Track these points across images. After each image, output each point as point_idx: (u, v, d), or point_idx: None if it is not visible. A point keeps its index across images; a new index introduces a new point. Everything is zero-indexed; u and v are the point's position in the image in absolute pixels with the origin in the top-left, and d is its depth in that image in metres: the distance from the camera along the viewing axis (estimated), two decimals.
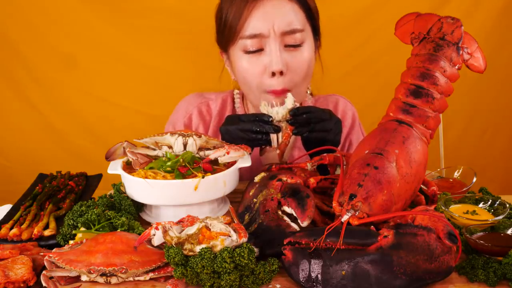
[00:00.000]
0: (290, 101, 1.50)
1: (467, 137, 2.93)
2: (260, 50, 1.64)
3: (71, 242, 1.24)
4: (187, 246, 1.09)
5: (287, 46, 1.64)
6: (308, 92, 1.89)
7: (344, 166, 1.37)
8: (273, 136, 1.50)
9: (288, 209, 1.24)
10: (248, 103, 1.91)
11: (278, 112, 1.50)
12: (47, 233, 1.35)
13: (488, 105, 2.93)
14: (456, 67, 1.35)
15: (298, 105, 1.52)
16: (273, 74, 1.62)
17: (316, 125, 1.50)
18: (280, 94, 1.64)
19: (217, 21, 1.74)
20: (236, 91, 1.93)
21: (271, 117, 1.49)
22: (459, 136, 2.90)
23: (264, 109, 1.53)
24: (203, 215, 1.24)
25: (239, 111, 1.92)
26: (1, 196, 2.24)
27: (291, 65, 1.64)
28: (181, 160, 1.39)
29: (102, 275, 1.10)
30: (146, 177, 1.35)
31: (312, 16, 1.70)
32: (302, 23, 1.65)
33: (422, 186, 1.36)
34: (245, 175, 1.61)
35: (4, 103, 2.81)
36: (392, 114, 1.32)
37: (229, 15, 1.66)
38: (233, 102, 1.94)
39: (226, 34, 1.69)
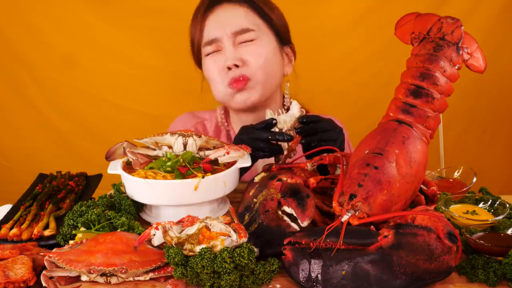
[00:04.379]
0: (296, 109, 1.50)
1: (467, 137, 2.93)
2: (218, 51, 1.82)
3: (71, 242, 1.24)
4: (187, 246, 1.09)
5: (242, 42, 1.80)
6: (287, 97, 1.93)
7: (344, 166, 1.37)
8: (284, 144, 1.51)
9: (288, 209, 1.24)
10: (231, 119, 1.97)
11: (286, 120, 1.50)
12: (47, 233, 1.35)
13: (488, 105, 2.92)
14: (456, 67, 1.35)
15: (304, 111, 1.52)
16: (229, 68, 1.78)
17: (323, 135, 1.51)
18: (240, 83, 1.77)
19: (190, 44, 1.92)
20: (219, 108, 1.99)
21: (275, 119, 1.49)
22: (459, 136, 2.89)
23: (269, 117, 1.53)
24: (203, 215, 1.23)
25: (223, 127, 1.99)
26: (1, 196, 2.24)
27: (246, 58, 1.79)
28: (181, 160, 1.39)
29: (102, 275, 1.10)
30: (146, 177, 1.35)
31: (269, 20, 1.85)
32: (254, 24, 1.81)
33: (422, 186, 1.36)
34: (246, 176, 1.61)
35: (4, 103, 2.80)
36: (392, 114, 1.32)
37: (193, 33, 1.89)
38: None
39: (194, 49, 1.91)
